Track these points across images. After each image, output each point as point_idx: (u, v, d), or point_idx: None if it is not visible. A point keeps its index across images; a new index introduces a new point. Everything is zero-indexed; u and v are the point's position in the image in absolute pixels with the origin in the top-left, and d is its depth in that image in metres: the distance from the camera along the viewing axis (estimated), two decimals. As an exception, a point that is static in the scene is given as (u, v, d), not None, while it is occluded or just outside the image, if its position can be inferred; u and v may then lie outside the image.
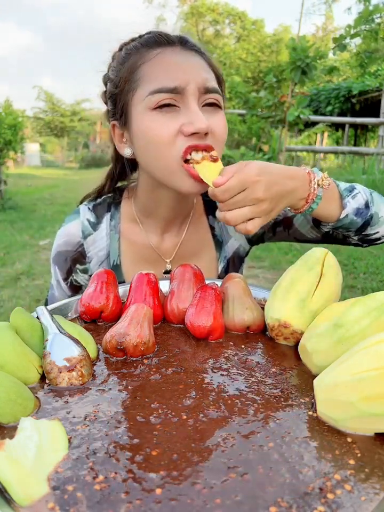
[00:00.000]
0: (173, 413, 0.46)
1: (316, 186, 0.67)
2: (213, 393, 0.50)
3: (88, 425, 0.44)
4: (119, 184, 0.93)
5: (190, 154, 0.68)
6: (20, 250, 4.33)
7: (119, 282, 0.84)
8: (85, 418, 0.45)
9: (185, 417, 0.45)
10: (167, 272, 0.87)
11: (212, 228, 0.91)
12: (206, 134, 0.68)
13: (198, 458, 0.40)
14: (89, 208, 0.89)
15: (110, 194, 0.91)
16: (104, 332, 0.65)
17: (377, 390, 0.42)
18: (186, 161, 0.68)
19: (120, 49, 0.77)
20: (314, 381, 0.48)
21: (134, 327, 0.58)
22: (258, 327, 0.66)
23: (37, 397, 0.49)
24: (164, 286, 0.76)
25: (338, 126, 12.91)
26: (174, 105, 0.68)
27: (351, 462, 0.40)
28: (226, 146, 7.79)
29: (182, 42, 0.73)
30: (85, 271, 0.89)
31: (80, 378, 0.52)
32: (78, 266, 0.88)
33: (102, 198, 0.90)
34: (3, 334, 0.53)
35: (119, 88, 0.75)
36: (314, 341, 0.55)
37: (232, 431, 0.43)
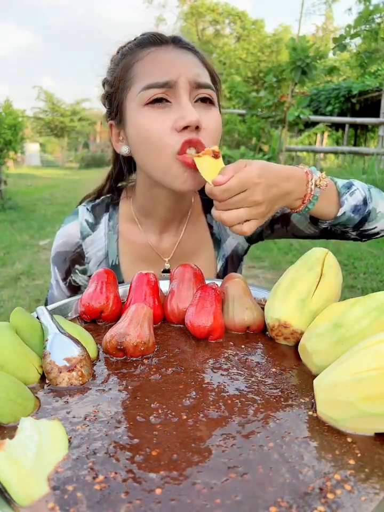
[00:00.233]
0: (173, 413, 0.46)
1: (313, 187, 0.67)
2: (213, 393, 0.50)
3: (88, 425, 0.44)
4: (119, 185, 0.94)
5: (188, 150, 0.68)
6: (20, 250, 4.33)
7: (118, 283, 0.84)
8: (85, 418, 0.45)
9: (185, 417, 0.45)
10: (165, 271, 0.88)
11: (210, 227, 0.91)
12: (197, 127, 0.68)
13: (198, 458, 0.40)
14: (87, 209, 0.89)
15: (108, 195, 0.91)
16: (104, 332, 0.65)
17: (377, 390, 0.42)
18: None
19: (118, 52, 0.79)
20: (314, 381, 0.48)
21: (134, 327, 0.58)
22: (258, 327, 0.66)
23: (37, 397, 0.49)
24: (164, 286, 0.76)
25: (338, 126, 12.92)
26: (166, 101, 0.69)
27: (351, 462, 0.40)
28: (226, 146, 7.79)
29: (174, 41, 0.74)
30: (84, 272, 0.89)
31: (80, 378, 0.52)
32: (77, 267, 0.89)
33: (101, 198, 0.91)
34: (3, 334, 0.53)
35: (114, 87, 0.76)
36: (314, 341, 0.55)
37: (232, 431, 0.43)
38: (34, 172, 15.62)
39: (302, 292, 0.62)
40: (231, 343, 0.63)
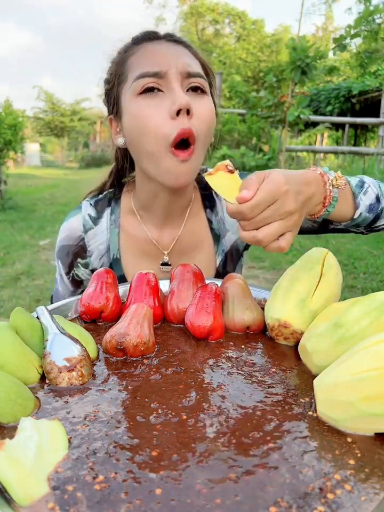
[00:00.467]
0: (173, 413, 0.46)
1: (331, 188, 0.63)
2: (213, 393, 0.50)
3: (88, 425, 0.44)
4: (123, 180, 0.95)
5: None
6: (20, 250, 4.33)
7: (119, 276, 0.86)
8: (85, 418, 0.45)
9: (185, 417, 0.45)
10: (164, 264, 0.88)
11: (210, 222, 0.92)
12: (188, 113, 0.69)
13: (198, 458, 0.40)
14: (90, 204, 0.91)
15: (111, 190, 0.93)
16: (104, 332, 0.65)
17: (377, 390, 0.42)
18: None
19: (117, 53, 0.81)
20: (314, 381, 0.48)
21: (134, 327, 0.58)
22: (258, 327, 0.66)
23: (37, 397, 0.49)
24: (164, 286, 0.76)
25: (338, 126, 12.91)
26: (159, 90, 0.71)
27: (351, 462, 0.40)
28: (226, 146, 7.79)
29: (167, 37, 0.77)
30: (86, 265, 0.90)
31: (80, 378, 0.52)
32: (79, 260, 0.90)
33: (104, 193, 0.92)
34: (3, 334, 0.53)
35: (111, 83, 0.79)
36: (314, 341, 0.55)
37: (232, 431, 0.43)
38: (34, 171, 15.62)
39: (302, 292, 0.62)
40: (231, 343, 0.63)
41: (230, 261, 0.93)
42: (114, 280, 0.72)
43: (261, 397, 0.49)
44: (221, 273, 0.92)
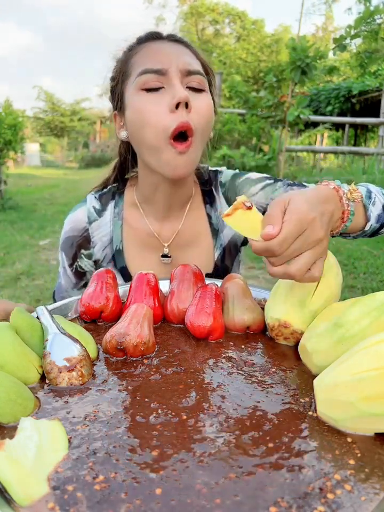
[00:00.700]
0: (173, 413, 0.46)
1: (347, 202, 0.62)
2: (213, 393, 0.50)
3: (88, 425, 0.44)
4: (126, 176, 0.98)
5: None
6: (20, 250, 4.33)
7: (121, 267, 0.90)
8: (85, 418, 0.45)
9: (185, 417, 0.45)
10: (164, 256, 0.91)
11: (209, 217, 0.94)
12: (187, 106, 0.72)
13: (198, 458, 0.40)
14: (95, 197, 0.94)
15: (114, 184, 0.96)
16: (104, 332, 0.65)
17: (377, 390, 0.42)
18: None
19: (123, 53, 0.84)
20: (314, 381, 0.48)
21: (134, 327, 0.58)
22: (258, 327, 0.66)
23: (37, 397, 0.49)
24: (164, 286, 0.76)
25: (338, 126, 12.91)
26: (160, 88, 0.75)
27: (351, 462, 0.40)
28: (226, 146, 7.79)
29: (169, 37, 0.82)
30: (89, 256, 0.93)
31: (80, 378, 0.52)
32: (82, 251, 0.93)
33: (108, 187, 0.96)
34: (3, 334, 0.53)
35: (116, 80, 0.83)
36: (314, 341, 0.55)
37: (232, 431, 0.43)
38: (34, 171, 15.61)
39: (302, 292, 0.62)
40: (231, 343, 0.63)
41: (228, 255, 0.95)
42: (114, 280, 0.72)
43: (261, 397, 0.49)
44: (219, 266, 0.93)
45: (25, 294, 3.13)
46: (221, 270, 0.93)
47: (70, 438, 0.42)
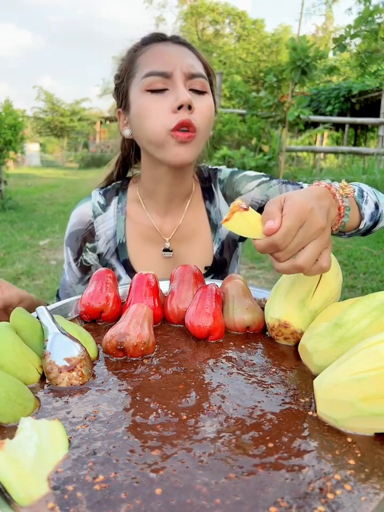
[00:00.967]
0: (173, 413, 0.46)
1: (340, 197, 0.62)
2: (213, 393, 0.50)
3: (88, 425, 0.44)
4: (128, 175, 1.03)
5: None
6: (20, 250, 4.33)
7: (124, 260, 0.93)
8: (85, 418, 0.45)
9: (185, 417, 0.45)
10: (166, 250, 0.94)
11: (208, 212, 0.97)
12: (190, 108, 0.76)
13: (198, 458, 0.40)
14: (100, 193, 0.98)
15: (118, 182, 1.00)
16: (104, 332, 0.65)
17: (377, 390, 0.42)
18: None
19: (127, 52, 0.88)
20: (314, 381, 0.48)
21: (134, 327, 0.58)
22: (258, 327, 0.66)
23: (37, 397, 0.49)
24: (164, 286, 0.76)
25: (338, 126, 12.91)
26: (165, 89, 0.78)
27: (351, 462, 0.40)
28: (226, 146, 7.79)
29: (173, 39, 0.85)
30: (93, 250, 0.96)
31: (80, 378, 0.52)
32: (87, 244, 0.95)
33: (112, 184, 1.00)
34: (3, 334, 0.53)
35: (121, 78, 0.86)
36: (314, 341, 0.55)
37: (232, 431, 0.43)
38: (34, 171, 15.62)
39: (302, 292, 0.62)
40: (231, 343, 0.63)
41: (227, 250, 0.98)
42: (115, 280, 0.72)
43: (261, 397, 0.49)
44: (217, 260, 0.96)
45: (25, 294, 3.12)
46: (219, 263, 0.96)
47: (70, 438, 0.42)
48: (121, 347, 0.56)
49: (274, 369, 0.56)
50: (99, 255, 0.96)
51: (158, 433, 0.43)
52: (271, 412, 0.47)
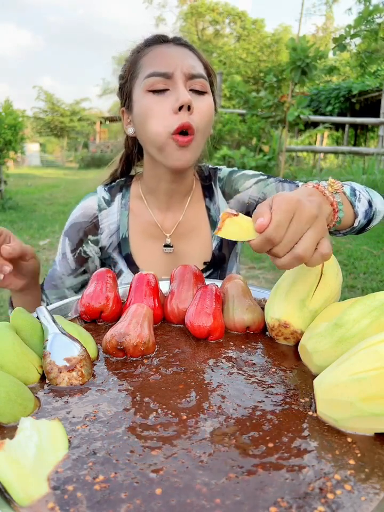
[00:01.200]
0: (173, 413, 0.46)
1: (330, 194, 0.63)
2: (213, 393, 0.50)
3: (88, 425, 0.44)
4: (133, 172, 1.06)
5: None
6: (20, 250, 4.32)
7: (126, 254, 0.95)
8: (85, 418, 0.45)
9: (185, 417, 0.45)
10: (166, 246, 0.96)
11: (208, 209, 1.00)
12: (189, 109, 0.78)
13: (198, 458, 0.40)
14: (104, 189, 1.01)
15: (122, 179, 1.04)
16: (104, 332, 0.65)
17: (377, 390, 0.42)
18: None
19: (131, 53, 0.91)
20: (314, 381, 0.48)
21: (134, 327, 0.58)
22: (258, 327, 0.66)
23: (37, 397, 0.49)
24: (164, 286, 0.76)
25: (338, 126, 12.91)
26: (166, 90, 0.81)
27: (351, 462, 0.40)
28: (227, 146, 7.79)
29: (175, 40, 0.88)
30: (96, 242, 0.98)
31: (80, 378, 0.52)
32: (90, 237, 0.98)
33: (116, 181, 1.03)
34: (3, 334, 0.53)
35: (124, 79, 0.89)
36: (314, 341, 0.55)
37: (232, 431, 0.43)
38: (34, 171, 15.62)
39: (302, 292, 0.62)
40: (231, 343, 0.63)
41: (225, 246, 1.00)
42: (115, 280, 0.72)
43: (261, 397, 0.49)
44: (216, 256, 0.99)
45: (25, 294, 3.12)
46: (218, 259, 0.99)
47: (70, 438, 0.42)
48: (121, 347, 0.56)
49: (274, 369, 0.56)
50: (101, 249, 0.98)
51: (158, 433, 0.43)
52: (271, 411, 0.47)
